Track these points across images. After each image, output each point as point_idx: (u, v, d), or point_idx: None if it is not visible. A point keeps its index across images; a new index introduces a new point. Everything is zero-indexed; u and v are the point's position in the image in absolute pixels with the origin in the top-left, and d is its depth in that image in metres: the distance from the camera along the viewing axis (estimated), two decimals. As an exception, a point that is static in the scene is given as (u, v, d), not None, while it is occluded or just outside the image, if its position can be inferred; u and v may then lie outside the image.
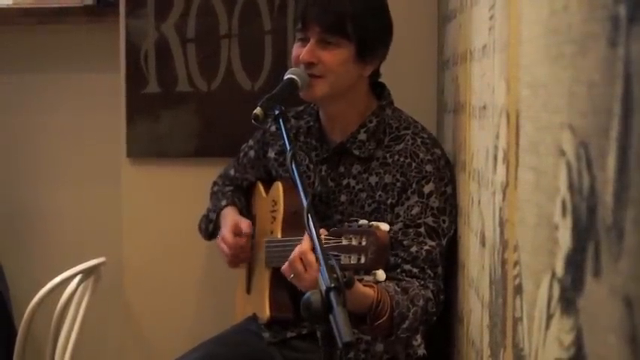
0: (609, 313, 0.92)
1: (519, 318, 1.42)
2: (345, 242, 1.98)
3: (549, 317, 1.20)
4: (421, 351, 2.33)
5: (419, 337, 2.29)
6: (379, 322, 2.11)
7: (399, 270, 2.27)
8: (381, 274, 1.97)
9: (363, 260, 1.96)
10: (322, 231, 1.98)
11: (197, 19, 3.00)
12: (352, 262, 1.98)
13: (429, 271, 2.28)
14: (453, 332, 2.43)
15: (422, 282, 2.26)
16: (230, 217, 2.62)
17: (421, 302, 2.21)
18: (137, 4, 3.01)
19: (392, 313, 2.13)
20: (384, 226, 1.99)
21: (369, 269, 1.96)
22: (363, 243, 1.97)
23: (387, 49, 2.44)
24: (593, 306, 0.99)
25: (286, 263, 2.08)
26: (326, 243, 1.95)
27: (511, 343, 1.51)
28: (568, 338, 1.09)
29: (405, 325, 2.16)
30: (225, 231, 2.56)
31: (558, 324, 1.15)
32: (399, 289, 2.19)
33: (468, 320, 2.15)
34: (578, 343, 1.05)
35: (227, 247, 2.54)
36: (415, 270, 2.27)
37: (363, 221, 2.01)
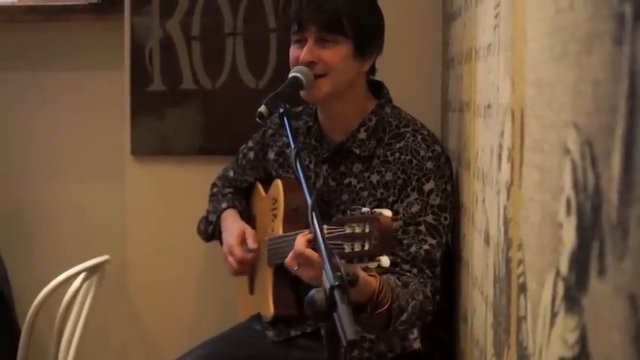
0: (614, 312, 0.92)
1: (523, 317, 1.42)
2: (348, 230, 1.95)
3: (553, 316, 1.20)
4: (417, 344, 2.35)
5: (415, 331, 2.31)
6: (379, 311, 2.11)
7: (397, 269, 2.27)
8: (385, 261, 1.95)
9: (367, 247, 1.93)
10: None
11: (202, 17, 3.00)
12: (356, 249, 1.95)
13: (427, 271, 2.29)
14: (457, 331, 2.42)
15: (421, 281, 2.27)
16: (234, 223, 2.62)
17: (420, 297, 2.22)
18: (142, 2, 3.02)
19: (392, 305, 2.14)
20: (387, 212, 1.96)
21: (372, 255, 1.94)
22: (367, 230, 1.94)
23: (382, 43, 2.44)
24: (598, 304, 0.99)
25: (289, 255, 2.07)
26: (329, 233, 1.93)
27: (515, 342, 1.51)
28: (572, 337, 1.09)
29: (403, 318, 2.17)
30: (233, 242, 2.56)
31: (562, 322, 1.15)
32: (399, 283, 2.20)
33: (472, 319, 2.15)
34: (583, 342, 1.05)
35: (235, 261, 2.55)
36: (414, 270, 2.28)
37: (365, 209, 1.99)
